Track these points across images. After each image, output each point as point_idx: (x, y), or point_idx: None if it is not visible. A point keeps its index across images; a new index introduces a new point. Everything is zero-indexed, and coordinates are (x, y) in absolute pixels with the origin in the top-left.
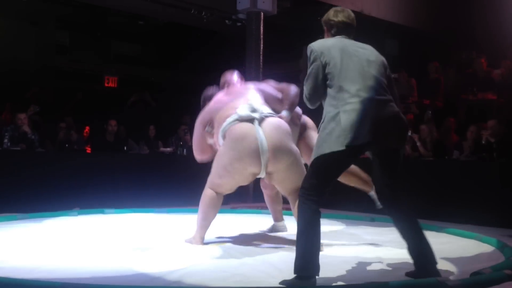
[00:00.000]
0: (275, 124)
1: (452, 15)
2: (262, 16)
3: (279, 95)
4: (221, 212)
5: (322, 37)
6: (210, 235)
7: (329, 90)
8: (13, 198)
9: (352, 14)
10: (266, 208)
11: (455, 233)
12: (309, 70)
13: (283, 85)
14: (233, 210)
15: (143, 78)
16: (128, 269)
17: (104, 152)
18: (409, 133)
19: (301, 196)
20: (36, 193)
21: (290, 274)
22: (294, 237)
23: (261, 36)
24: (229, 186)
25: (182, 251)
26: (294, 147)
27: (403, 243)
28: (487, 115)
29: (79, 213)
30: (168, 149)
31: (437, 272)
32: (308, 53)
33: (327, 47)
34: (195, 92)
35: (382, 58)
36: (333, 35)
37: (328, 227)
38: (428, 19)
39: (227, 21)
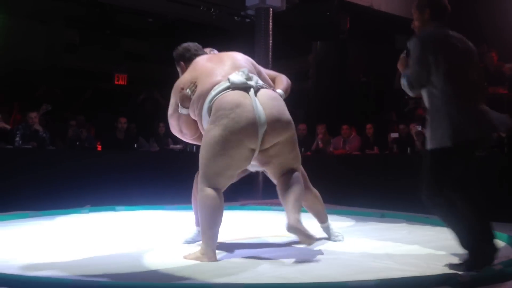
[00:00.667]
0: (273, 95)
1: (461, 9)
2: (271, 12)
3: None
4: (230, 209)
5: (334, 33)
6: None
7: (436, 83)
8: (25, 196)
9: None
10: (276, 204)
11: None
12: (415, 61)
13: (275, 72)
14: (243, 206)
15: (153, 75)
16: (138, 266)
17: (114, 150)
18: (419, 128)
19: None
20: (48, 190)
21: (301, 271)
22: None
23: (270, 32)
24: (228, 172)
25: (192, 248)
26: (292, 121)
27: (412, 240)
28: (497, 109)
29: (90, 211)
30: (178, 146)
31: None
32: (414, 45)
33: (432, 37)
34: None
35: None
36: (429, 21)
37: (337, 223)
38: None
39: (235, 17)
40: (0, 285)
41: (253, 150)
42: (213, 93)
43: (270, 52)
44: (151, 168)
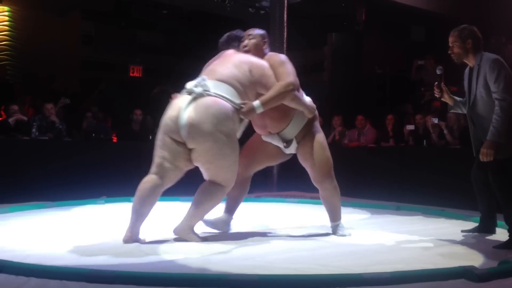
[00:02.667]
0: (207, 104)
1: (480, 1)
2: (286, 3)
3: (268, 81)
4: (245, 200)
5: (349, 24)
6: (236, 223)
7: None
8: (41, 187)
9: None
10: (291, 196)
11: None
12: (506, 79)
13: (283, 74)
14: (257, 198)
15: (168, 67)
16: (153, 256)
17: (130, 141)
18: (435, 121)
19: None
20: (64, 181)
21: (316, 262)
22: (317, 225)
23: (285, 24)
24: (158, 155)
25: (207, 239)
26: (217, 133)
27: (428, 232)
28: None
29: (106, 201)
30: None
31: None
32: (497, 64)
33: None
34: None
35: None
36: (475, 52)
37: (352, 215)
38: (455, 4)
39: (250, 9)
40: (18, 274)
41: (180, 143)
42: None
43: (285, 43)
44: None
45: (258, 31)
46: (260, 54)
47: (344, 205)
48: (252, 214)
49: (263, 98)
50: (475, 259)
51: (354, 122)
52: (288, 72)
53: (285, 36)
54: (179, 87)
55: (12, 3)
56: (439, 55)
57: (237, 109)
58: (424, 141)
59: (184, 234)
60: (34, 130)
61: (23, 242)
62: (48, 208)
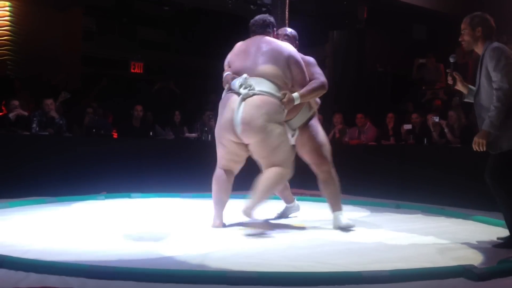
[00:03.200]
0: (256, 104)
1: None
2: (287, 1)
3: (302, 77)
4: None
5: (351, 22)
6: (233, 220)
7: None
8: (42, 182)
9: None
10: (295, 194)
11: (483, 220)
12: (506, 68)
13: (317, 73)
14: None
15: (169, 64)
16: (153, 253)
17: (130, 137)
18: (437, 119)
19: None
20: (64, 177)
21: (315, 260)
22: (317, 223)
23: (286, 22)
24: (226, 156)
25: (206, 236)
26: (268, 126)
27: (427, 231)
28: None
29: (106, 197)
30: (193, 134)
31: None
32: (499, 53)
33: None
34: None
35: None
36: (485, 39)
37: (352, 213)
38: (456, 3)
39: (252, 6)
40: (18, 270)
41: (236, 142)
42: (224, 92)
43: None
44: (166, 156)
45: (292, 32)
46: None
47: (344, 203)
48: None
49: (302, 91)
50: (474, 258)
51: (355, 120)
52: (321, 73)
53: None
54: (179, 84)
55: None
56: (440, 53)
57: (280, 101)
58: (425, 139)
59: (248, 212)
60: (34, 125)
61: (23, 237)
62: (48, 204)
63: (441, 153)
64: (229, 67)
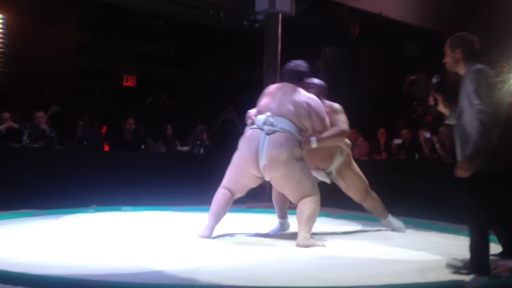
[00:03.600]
0: (279, 140)
1: (472, 17)
2: (280, 17)
3: (323, 127)
4: (236, 211)
5: (343, 39)
6: (225, 233)
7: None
8: (31, 195)
9: None
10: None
11: None
12: (482, 88)
13: (339, 121)
14: (249, 209)
15: (162, 78)
16: (143, 267)
17: (122, 150)
18: (428, 135)
19: None
20: (54, 190)
21: (307, 274)
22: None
23: (279, 37)
24: (233, 183)
25: (197, 250)
26: (291, 161)
27: (419, 246)
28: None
29: (97, 210)
30: (185, 148)
31: None
32: (479, 72)
33: (488, 70)
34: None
35: None
36: (466, 60)
37: (344, 227)
38: (448, 20)
39: (245, 22)
40: (6, 283)
41: (257, 176)
42: (247, 127)
43: (279, 57)
44: (158, 169)
45: (319, 82)
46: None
47: (336, 217)
48: (243, 225)
49: (320, 136)
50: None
51: None
52: (344, 120)
53: (279, 50)
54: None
55: (6, 11)
56: (432, 70)
57: (298, 141)
58: (416, 155)
59: (306, 243)
60: (25, 137)
61: (12, 250)
62: (37, 216)
63: (432, 168)
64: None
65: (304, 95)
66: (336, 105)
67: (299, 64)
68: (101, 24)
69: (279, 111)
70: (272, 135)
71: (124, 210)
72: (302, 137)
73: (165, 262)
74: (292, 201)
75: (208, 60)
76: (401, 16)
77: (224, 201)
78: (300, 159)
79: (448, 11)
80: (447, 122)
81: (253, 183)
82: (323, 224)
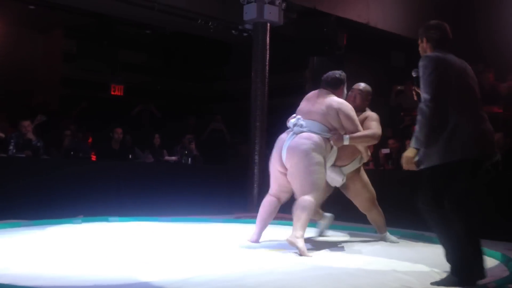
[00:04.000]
0: (304, 136)
1: (459, 28)
2: (268, 27)
3: (354, 128)
4: (225, 221)
5: (331, 48)
6: (215, 243)
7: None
8: (18, 205)
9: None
10: (278, 218)
11: None
12: (429, 78)
13: (373, 126)
14: (237, 220)
15: (150, 87)
16: (130, 278)
17: (109, 160)
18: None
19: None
20: (41, 200)
21: (294, 285)
22: (295, 249)
23: (267, 47)
24: (273, 185)
25: (185, 260)
26: (310, 152)
27: (406, 256)
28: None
29: (83, 221)
30: (173, 157)
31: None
32: (426, 63)
33: (441, 58)
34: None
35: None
36: (433, 48)
37: (331, 238)
38: None
39: (233, 31)
40: None
41: (282, 173)
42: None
43: (267, 66)
44: (145, 180)
45: (366, 88)
46: (363, 106)
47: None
48: (232, 235)
49: (353, 134)
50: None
51: None
52: (379, 127)
53: (267, 59)
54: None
55: None
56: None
57: (327, 139)
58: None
59: (295, 242)
60: (11, 147)
61: None
62: (23, 227)
63: (416, 179)
64: None
65: (335, 100)
66: (373, 114)
67: (335, 72)
68: (88, 33)
69: (310, 114)
70: (299, 134)
71: (111, 221)
72: (333, 135)
73: (152, 273)
74: (296, 194)
75: (196, 70)
76: (388, 27)
77: (269, 207)
78: (319, 156)
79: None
80: None
81: (286, 181)
82: (312, 233)
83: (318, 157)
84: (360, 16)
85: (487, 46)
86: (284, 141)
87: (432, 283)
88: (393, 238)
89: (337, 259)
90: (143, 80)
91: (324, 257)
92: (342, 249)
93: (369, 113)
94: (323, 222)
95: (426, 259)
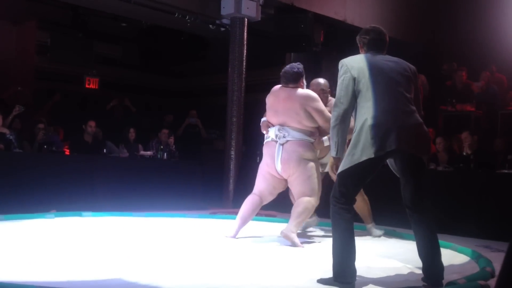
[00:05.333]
0: (291, 148)
1: (434, 27)
2: (246, 22)
3: (322, 116)
4: (200, 217)
5: (308, 45)
6: (189, 240)
7: (358, 102)
8: None
9: (383, 31)
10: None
11: (444, 245)
12: (339, 82)
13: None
14: (213, 215)
15: (125, 80)
16: (103, 274)
17: (82, 154)
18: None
19: (333, 205)
20: (13, 194)
21: (276, 283)
22: (281, 246)
23: (245, 42)
24: (262, 186)
25: (159, 257)
26: (302, 161)
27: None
28: (464, 126)
29: (56, 215)
30: (148, 152)
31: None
32: (339, 67)
33: (357, 61)
34: (177, 95)
35: (409, 71)
36: (366, 51)
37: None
38: (410, 30)
39: (211, 25)
40: None
41: (275, 176)
42: (265, 139)
43: (244, 61)
44: (119, 174)
45: (327, 84)
46: (327, 100)
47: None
48: (207, 231)
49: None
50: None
51: None
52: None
53: (244, 54)
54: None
55: None
56: None
57: (312, 143)
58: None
59: (289, 236)
60: None
61: None
62: None
63: (391, 176)
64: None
65: (299, 96)
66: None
67: (294, 65)
68: (63, 25)
69: (284, 122)
70: (285, 144)
71: (84, 216)
72: (314, 139)
73: (125, 269)
74: (295, 197)
75: (172, 64)
76: (364, 24)
77: (252, 206)
78: (311, 160)
79: (410, 20)
80: None
81: (280, 185)
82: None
83: (311, 162)
84: (337, 13)
85: (460, 45)
86: (274, 148)
87: (318, 280)
88: (377, 231)
89: (319, 255)
90: (119, 74)
91: (305, 254)
92: (324, 246)
93: (332, 100)
94: (309, 220)
95: (400, 254)
